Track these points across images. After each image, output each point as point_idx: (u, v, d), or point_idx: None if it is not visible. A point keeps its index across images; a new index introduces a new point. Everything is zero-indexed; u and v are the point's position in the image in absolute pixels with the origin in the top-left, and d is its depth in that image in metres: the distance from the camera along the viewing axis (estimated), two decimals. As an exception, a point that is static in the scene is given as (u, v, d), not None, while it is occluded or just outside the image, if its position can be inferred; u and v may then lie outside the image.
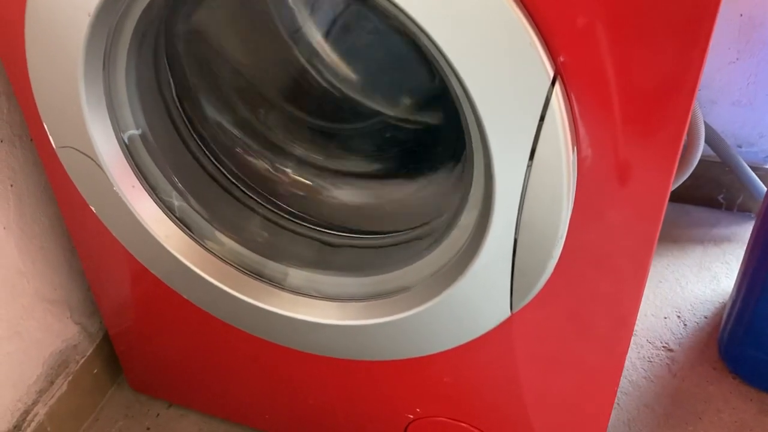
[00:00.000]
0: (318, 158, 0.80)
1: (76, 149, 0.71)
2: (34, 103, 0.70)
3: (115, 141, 0.72)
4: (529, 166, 0.55)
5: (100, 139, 0.70)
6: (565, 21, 0.50)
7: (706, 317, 1.20)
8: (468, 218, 0.64)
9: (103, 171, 0.72)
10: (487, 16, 0.49)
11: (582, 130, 0.55)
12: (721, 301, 1.23)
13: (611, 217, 0.60)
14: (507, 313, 0.66)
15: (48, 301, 0.96)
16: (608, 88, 0.53)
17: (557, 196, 0.56)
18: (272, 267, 0.74)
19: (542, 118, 0.52)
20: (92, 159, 0.71)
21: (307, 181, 0.80)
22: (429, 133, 0.78)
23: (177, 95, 0.76)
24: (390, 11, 0.52)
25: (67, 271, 0.98)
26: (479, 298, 0.66)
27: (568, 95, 0.53)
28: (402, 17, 0.52)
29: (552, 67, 0.51)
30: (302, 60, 0.78)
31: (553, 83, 0.51)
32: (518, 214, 0.58)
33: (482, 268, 0.63)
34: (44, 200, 0.92)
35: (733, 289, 1.11)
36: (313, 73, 0.78)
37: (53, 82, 0.67)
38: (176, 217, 0.74)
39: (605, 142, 0.56)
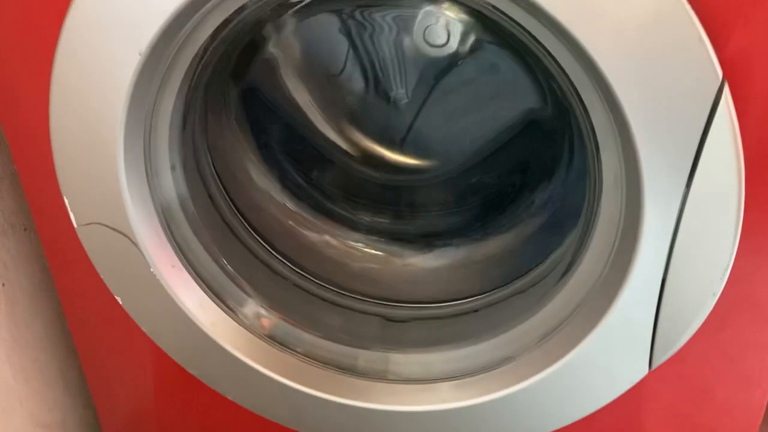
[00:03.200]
0: (385, 221, 0.69)
1: (106, 225, 0.60)
2: (43, 180, 0.60)
3: (154, 213, 0.61)
4: (687, 187, 0.47)
5: (136, 212, 0.59)
6: (736, 10, 0.44)
7: None
8: (591, 261, 0.55)
9: (139, 249, 0.60)
10: (643, 5, 0.43)
11: (747, 144, 0.48)
12: None
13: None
14: (644, 371, 0.56)
15: (42, 426, 0.79)
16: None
17: (723, 225, 0.48)
18: (367, 357, 0.61)
19: (705, 131, 0.45)
20: (126, 235, 0.60)
21: (378, 252, 0.69)
22: (523, 170, 0.69)
23: (215, 166, 0.65)
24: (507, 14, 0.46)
25: (63, 387, 0.82)
26: (609, 359, 0.56)
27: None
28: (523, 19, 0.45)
29: (720, 67, 0.44)
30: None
31: (721, 87, 0.44)
32: (669, 249, 0.50)
33: (618, 322, 0.54)
34: (38, 301, 0.77)
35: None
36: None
37: (84, 144, 0.56)
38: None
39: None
